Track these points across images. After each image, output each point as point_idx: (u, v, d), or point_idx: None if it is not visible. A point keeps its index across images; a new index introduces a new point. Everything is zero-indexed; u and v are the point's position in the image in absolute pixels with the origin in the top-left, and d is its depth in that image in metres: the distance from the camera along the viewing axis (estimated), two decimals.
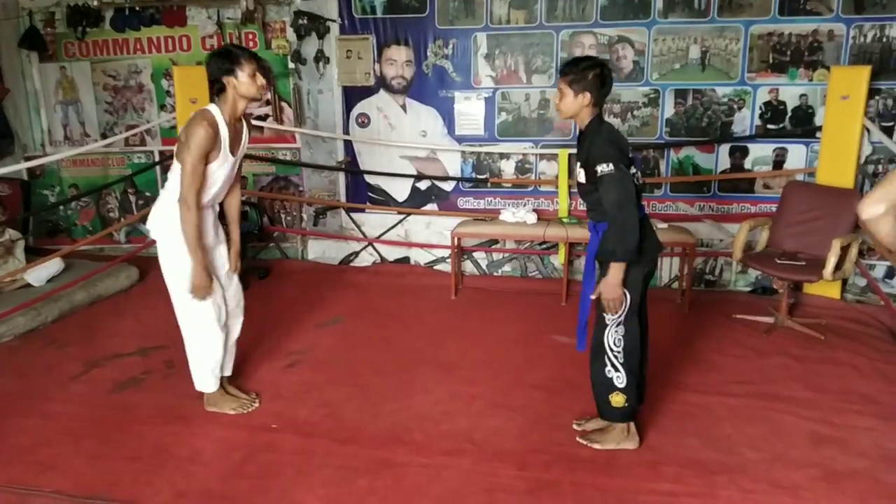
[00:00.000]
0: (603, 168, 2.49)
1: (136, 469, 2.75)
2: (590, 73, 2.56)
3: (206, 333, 3.05)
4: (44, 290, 4.46)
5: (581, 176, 2.65)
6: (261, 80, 2.82)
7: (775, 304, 4.33)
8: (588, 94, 2.57)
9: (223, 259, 3.14)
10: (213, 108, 2.81)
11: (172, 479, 2.68)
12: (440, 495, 2.59)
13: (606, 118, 4.79)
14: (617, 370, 2.73)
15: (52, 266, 4.65)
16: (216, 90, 2.82)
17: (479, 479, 2.68)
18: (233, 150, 2.89)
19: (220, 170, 2.87)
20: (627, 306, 2.67)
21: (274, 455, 2.84)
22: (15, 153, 5.80)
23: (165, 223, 2.93)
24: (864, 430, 3.02)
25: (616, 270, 2.57)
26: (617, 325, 2.69)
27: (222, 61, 2.77)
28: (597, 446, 2.83)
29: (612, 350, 2.71)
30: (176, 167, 2.84)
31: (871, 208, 1.81)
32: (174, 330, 3.47)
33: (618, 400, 2.75)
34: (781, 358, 3.72)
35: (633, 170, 2.61)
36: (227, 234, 3.22)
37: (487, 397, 3.33)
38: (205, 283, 2.88)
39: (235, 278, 3.23)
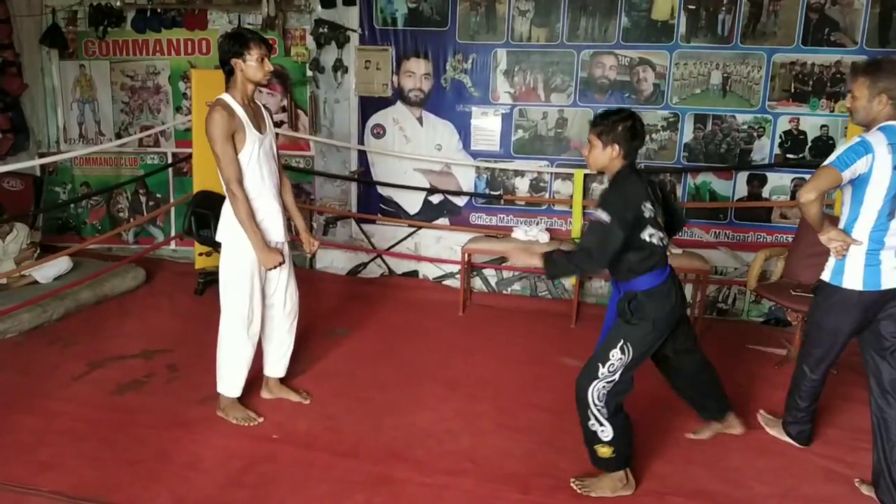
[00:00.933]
0: (598, 213, 2.45)
1: (135, 472, 2.72)
2: (620, 126, 2.50)
3: (236, 338, 3.06)
4: (50, 287, 4.45)
5: None
6: (268, 65, 2.88)
7: (788, 336, 4.26)
8: (617, 147, 2.51)
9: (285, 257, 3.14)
10: (224, 95, 2.89)
11: (171, 485, 2.64)
12: None
13: None
14: (602, 424, 2.57)
15: (60, 265, 4.64)
16: (226, 73, 2.90)
17: (481, 502, 2.63)
18: (259, 128, 2.94)
19: (255, 147, 2.90)
20: (627, 361, 2.56)
21: (273, 466, 2.80)
22: (29, 149, 5.82)
23: (225, 226, 2.99)
24: None
25: (538, 261, 2.61)
26: (607, 381, 2.55)
27: (232, 43, 2.83)
28: (593, 494, 2.65)
29: (594, 405, 2.55)
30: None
31: (807, 195, 2.52)
32: (179, 333, 3.45)
33: (604, 451, 2.60)
34: None
35: (649, 230, 2.52)
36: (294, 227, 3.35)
37: (491, 417, 3.28)
38: (270, 255, 2.94)
39: (293, 282, 3.24)
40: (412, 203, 5.29)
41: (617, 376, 2.56)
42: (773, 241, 4.66)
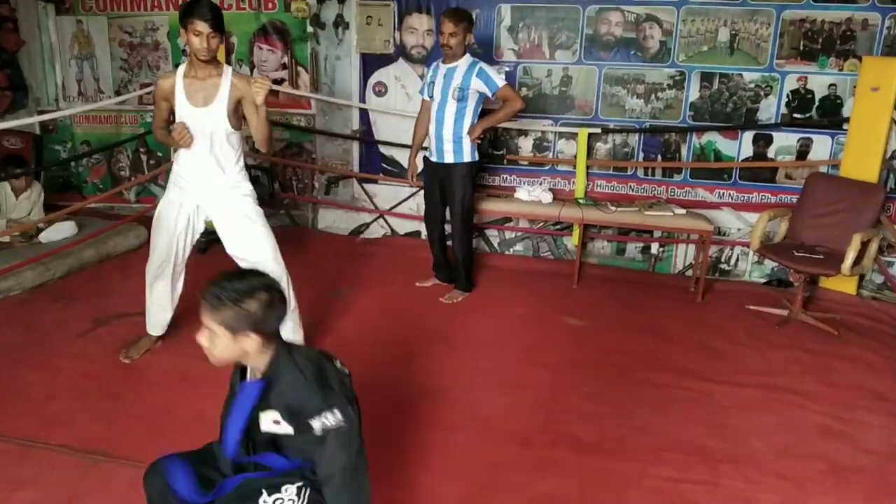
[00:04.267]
0: (324, 420, 1.69)
1: (141, 428, 2.76)
2: (252, 305, 1.70)
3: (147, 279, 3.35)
4: (53, 245, 4.45)
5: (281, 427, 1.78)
6: (212, 44, 2.87)
7: (790, 296, 4.27)
8: (254, 335, 1.71)
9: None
10: (182, 64, 3.03)
11: (178, 440, 2.66)
12: (442, 468, 2.58)
13: (630, 98, 4.74)
14: None
15: (66, 229, 4.62)
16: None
17: (482, 455, 2.67)
18: (194, 102, 2.97)
19: (187, 118, 2.98)
20: None
21: None
22: (28, 106, 5.76)
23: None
24: (874, 426, 2.99)
25: None
26: None
27: (182, 10, 2.87)
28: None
29: None
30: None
31: None
32: (181, 292, 3.46)
33: None
34: (793, 351, 3.67)
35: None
36: None
37: (493, 374, 3.31)
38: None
39: (251, 242, 3.20)
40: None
41: None
42: (777, 202, 4.63)
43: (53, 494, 2.36)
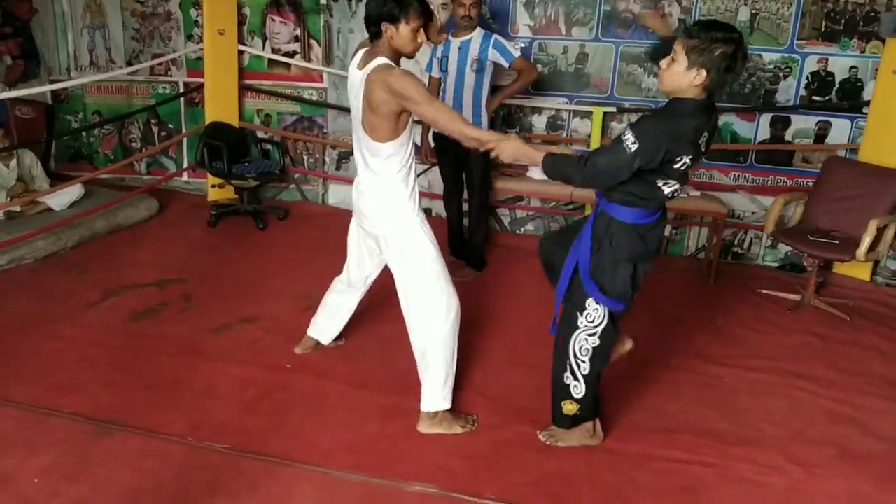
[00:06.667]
0: (628, 133, 2.08)
1: (152, 398, 2.77)
2: (718, 50, 2.01)
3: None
4: (64, 215, 4.46)
5: None
6: (422, 36, 2.45)
7: (803, 281, 4.24)
8: (704, 74, 2.03)
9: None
10: (385, 60, 2.41)
11: (188, 411, 2.70)
12: (449, 444, 2.60)
13: (646, 77, 4.63)
14: (576, 379, 2.44)
15: (73, 192, 4.63)
16: (372, 35, 2.46)
17: (490, 433, 2.68)
18: None
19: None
20: (605, 317, 2.37)
21: (287, 394, 2.85)
22: (40, 76, 5.74)
23: (391, 208, 2.63)
24: (885, 412, 2.98)
25: (535, 155, 2.27)
26: (590, 334, 2.38)
27: (390, 4, 2.36)
28: (561, 444, 2.58)
29: (575, 357, 2.41)
30: (376, 149, 2.52)
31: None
32: (192, 264, 3.46)
33: (570, 408, 2.50)
34: (805, 336, 3.65)
35: (669, 182, 2.19)
36: None
37: (502, 354, 3.31)
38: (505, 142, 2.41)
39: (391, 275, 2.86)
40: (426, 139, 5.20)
41: (601, 329, 2.38)
42: (793, 186, 4.58)
43: (67, 461, 2.38)
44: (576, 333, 2.40)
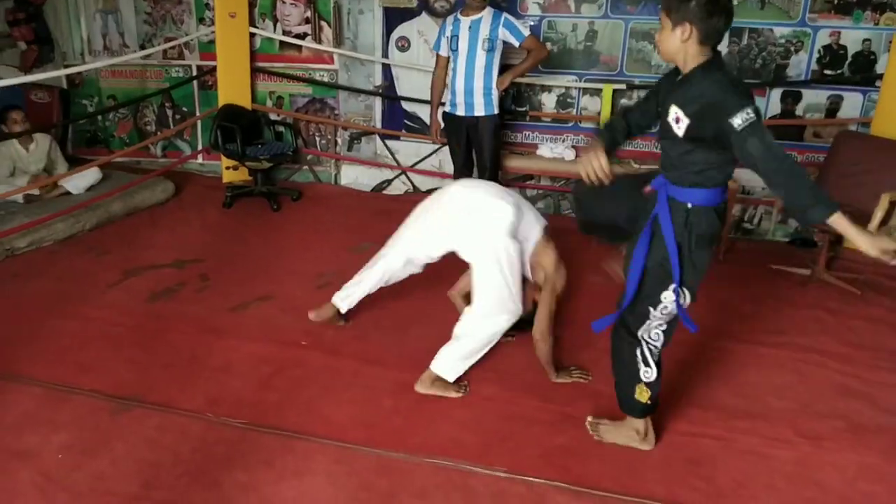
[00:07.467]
0: (743, 118, 1.91)
1: (170, 375, 2.85)
2: (692, 1, 1.99)
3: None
4: (82, 198, 4.54)
5: (679, 128, 2.07)
6: None
7: (813, 256, 4.22)
8: (688, 27, 2.00)
9: None
10: None
11: (205, 387, 2.77)
12: (461, 419, 2.64)
13: (656, 53, 4.60)
14: (648, 365, 2.39)
15: (91, 175, 4.72)
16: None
17: (501, 407, 2.73)
18: None
19: None
20: (689, 300, 2.28)
21: (302, 371, 2.91)
22: (55, 61, 5.80)
23: (490, 236, 2.75)
24: (894, 386, 2.97)
25: (843, 226, 1.96)
26: (661, 322, 2.32)
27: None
28: (606, 439, 2.53)
29: (648, 342, 2.36)
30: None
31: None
32: (209, 245, 3.52)
33: (642, 394, 2.43)
34: (815, 311, 3.66)
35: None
36: None
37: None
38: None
39: None
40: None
41: (671, 316, 2.31)
42: (804, 161, 4.55)
43: (88, 437, 2.46)
44: (647, 323, 2.34)
